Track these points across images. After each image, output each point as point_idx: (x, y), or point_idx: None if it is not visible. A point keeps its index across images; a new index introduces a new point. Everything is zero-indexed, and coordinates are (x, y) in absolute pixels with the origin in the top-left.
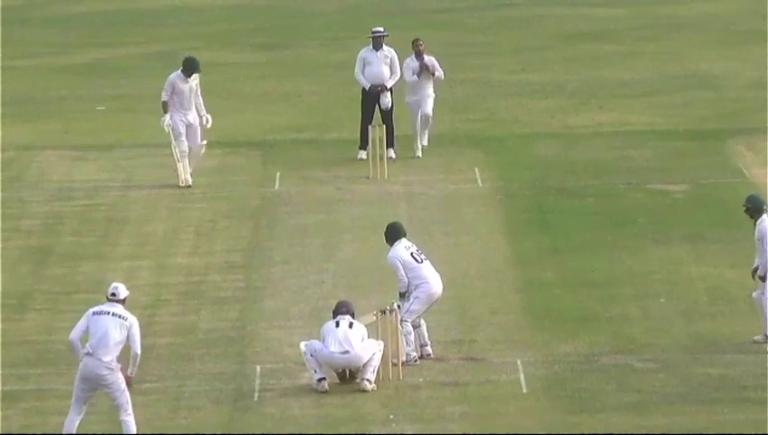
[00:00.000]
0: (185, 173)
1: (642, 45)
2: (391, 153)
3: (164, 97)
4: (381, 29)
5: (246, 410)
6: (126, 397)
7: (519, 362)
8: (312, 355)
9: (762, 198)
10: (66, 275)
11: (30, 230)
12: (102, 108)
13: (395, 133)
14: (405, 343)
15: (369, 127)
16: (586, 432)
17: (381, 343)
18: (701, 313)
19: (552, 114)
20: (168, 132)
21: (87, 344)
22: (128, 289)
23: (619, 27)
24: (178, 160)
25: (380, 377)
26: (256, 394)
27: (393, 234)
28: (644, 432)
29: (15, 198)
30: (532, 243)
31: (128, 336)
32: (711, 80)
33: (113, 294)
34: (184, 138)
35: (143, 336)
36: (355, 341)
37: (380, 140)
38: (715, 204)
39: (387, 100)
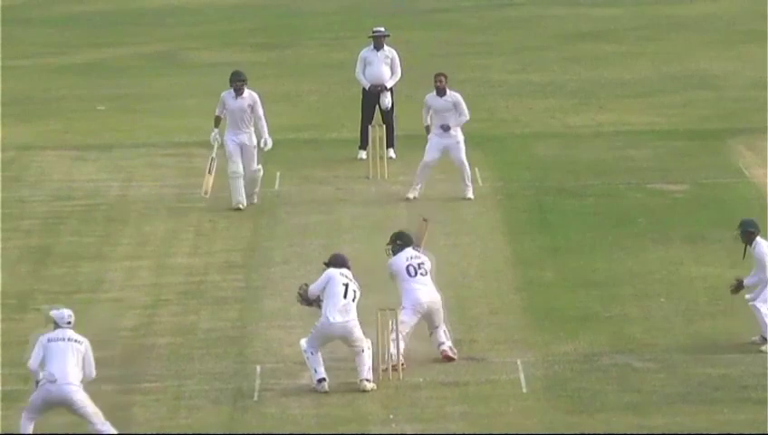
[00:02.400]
0: (238, 195)
1: (642, 45)
2: (391, 153)
3: (216, 112)
4: (382, 29)
5: (246, 410)
6: (93, 408)
7: (519, 362)
8: (312, 353)
9: (756, 221)
10: (66, 275)
11: (30, 230)
12: (102, 108)
13: (395, 133)
14: (390, 346)
15: (369, 127)
16: (586, 432)
17: (368, 340)
18: (701, 313)
19: (552, 114)
20: (213, 146)
21: (46, 372)
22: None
23: (619, 27)
24: (210, 172)
25: (380, 377)
26: (256, 394)
27: (401, 242)
28: (644, 432)
29: (15, 198)
30: (532, 243)
31: (83, 359)
32: (711, 80)
33: (69, 323)
34: (236, 159)
35: (143, 336)
36: (353, 311)
37: (380, 139)
38: (715, 204)
39: (387, 100)
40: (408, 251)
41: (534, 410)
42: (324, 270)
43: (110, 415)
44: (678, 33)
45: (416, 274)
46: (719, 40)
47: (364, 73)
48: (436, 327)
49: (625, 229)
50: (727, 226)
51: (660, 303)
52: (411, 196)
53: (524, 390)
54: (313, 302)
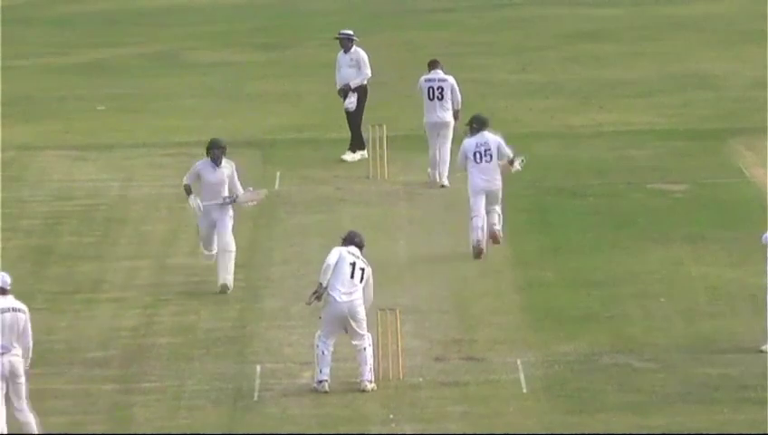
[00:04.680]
0: (225, 272)
1: (642, 45)
2: (346, 156)
3: (185, 180)
4: (350, 32)
5: (246, 410)
6: (26, 387)
7: (519, 362)
8: (323, 353)
9: None
10: (66, 275)
11: (30, 230)
12: (102, 108)
13: (359, 135)
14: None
15: (369, 127)
16: (586, 432)
17: (370, 335)
18: (701, 313)
19: (552, 114)
20: (197, 214)
21: None
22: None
23: (619, 27)
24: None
25: (380, 377)
26: (256, 394)
27: (477, 125)
28: (644, 432)
29: (15, 198)
30: (532, 243)
31: (23, 329)
32: (711, 80)
33: (9, 287)
34: (209, 244)
35: (143, 336)
36: (360, 290)
37: (380, 139)
38: (715, 204)
39: (349, 100)
40: (481, 136)
41: (534, 410)
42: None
43: (110, 415)
44: (678, 33)
45: (481, 160)
46: (719, 40)
47: (337, 76)
48: (492, 208)
49: (625, 229)
50: (727, 226)
51: (660, 303)
52: (444, 181)
53: (524, 390)
54: (322, 291)
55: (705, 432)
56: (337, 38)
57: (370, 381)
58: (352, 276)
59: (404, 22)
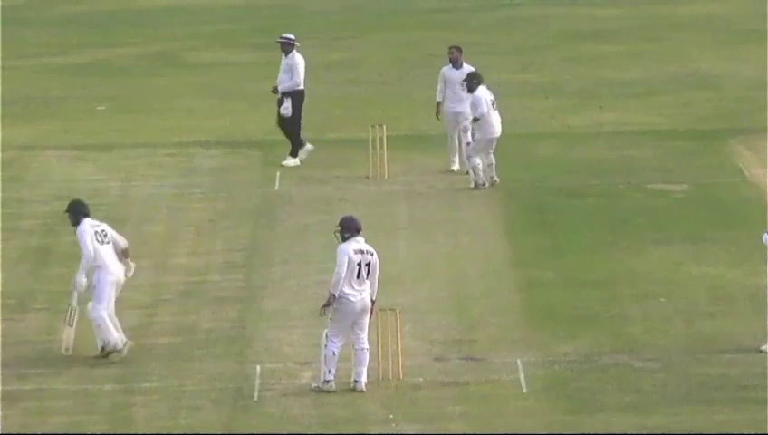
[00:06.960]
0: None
1: (642, 45)
2: (287, 161)
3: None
4: (291, 36)
5: (246, 410)
6: None
7: (519, 362)
8: (333, 353)
9: None
10: (66, 275)
11: (30, 230)
12: (102, 108)
13: (294, 141)
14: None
15: (370, 127)
16: (586, 432)
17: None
18: (701, 313)
19: (552, 114)
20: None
21: None
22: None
23: (619, 27)
24: (70, 325)
25: (380, 377)
26: (256, 394)
27: (477, 81)
28: (644, 432)
29: (15, 198)
30: (532, 243)
31: None
32: (711, 80)
33: None
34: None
35: (143, 336)
36: (368, 285)
37: (380, 140)
38: (715, 204)
39: (284, 106)
40: (485, 89)
41: (534, 410)
42: (337, 238)
43: (110, 415)
44: (678, 33)
45: (495, 109)
46: (719, 40)
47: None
48: (489, 157)
49: (625, 229)
50: (727, 226)
51: (660, 303)
52: (454, 168)
53: (524, 390)
54: (334, 301)
55: (705, 432)
56: (278, 42)
57: (366, 383)
58: (358, 276)
59: (404, 22)
